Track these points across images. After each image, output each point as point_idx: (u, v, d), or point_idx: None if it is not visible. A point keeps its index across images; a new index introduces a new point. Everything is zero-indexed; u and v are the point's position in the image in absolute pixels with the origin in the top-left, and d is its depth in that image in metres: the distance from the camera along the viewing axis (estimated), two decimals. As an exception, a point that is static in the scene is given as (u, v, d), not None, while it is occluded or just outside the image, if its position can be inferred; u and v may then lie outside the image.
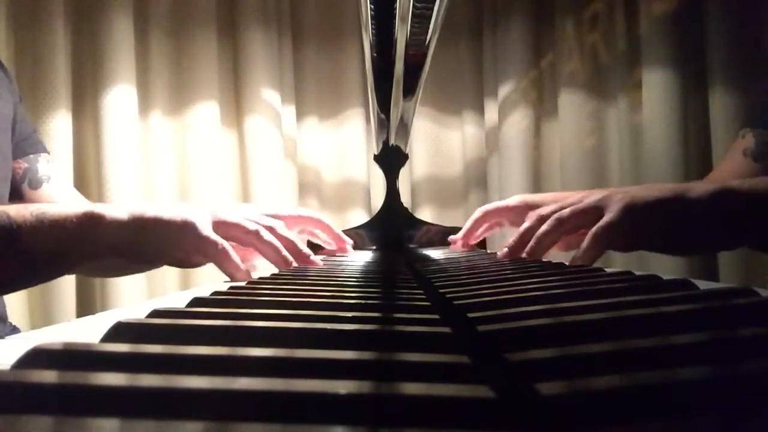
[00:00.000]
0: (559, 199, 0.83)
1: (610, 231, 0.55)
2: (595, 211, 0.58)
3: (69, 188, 0.98)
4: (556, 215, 0.62)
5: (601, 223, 0.56)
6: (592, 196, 0.61)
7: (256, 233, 0.62)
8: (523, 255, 0.63)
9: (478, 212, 0.87)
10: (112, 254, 0.58)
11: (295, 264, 0.63)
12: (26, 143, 0.91)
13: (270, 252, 0.62)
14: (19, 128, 0.90)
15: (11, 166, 0.87)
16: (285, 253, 0.62)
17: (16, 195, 0.88)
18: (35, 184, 0.90)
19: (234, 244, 0.62)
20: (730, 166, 0.93)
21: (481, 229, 0.89)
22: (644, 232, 0.56)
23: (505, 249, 0.67)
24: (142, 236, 0.56)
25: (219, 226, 0.60)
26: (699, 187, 0.54)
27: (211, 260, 0.59)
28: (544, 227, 0.62)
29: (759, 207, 0.52)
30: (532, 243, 0.62)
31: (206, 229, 0.58)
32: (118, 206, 0.58)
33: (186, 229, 0.57)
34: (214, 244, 0.58)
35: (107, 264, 0.71)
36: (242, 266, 0.59)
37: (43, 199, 0.89)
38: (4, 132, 0.85)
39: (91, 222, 0.56)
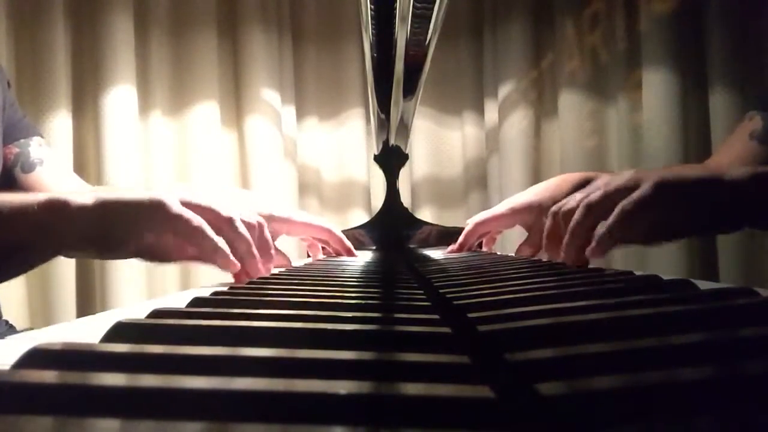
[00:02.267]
0: (546, 197, 0.82)
1: (641, 206, 0.51)
2: (627, 191, 0.53)
3: (65, 171, 0.95)
4: (585, 202, 0.55)
5: (633, 196, 0.51)
6: (617, 178, 0.55)
7: (231, 221, 0.55)
8: (561, 257, 0.57)
9: (469, 224, 0.86)
10: (79, 243, 0.54)
11: (260, 267, 0.56)
12: (16, 128, 0.88)
13: (242, 245, 0.55)
14: (8, 114, 0.87)
15: (1, 153, 0.85)
16: (254, 250, 0.56)
17: (9, 181, 0.86)
18: (28, 168, 0.87)
19: None
20: (735, 149, 0.91)
21: (474, 241, 0.88)
22: (676, 211, 0.52)
23: (563, 254, 0.60)
24: (108, 220, 0.52)
25: (190, 208, 0.54)
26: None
27: (184, 238, 0.54)
28: (575, 218, 0.55)
29: None
30: (566, 239, 0.56)
31: (176, 207, 0.52)
32: (83, 193, 0.53)
33: (154, 207, 0.52)
34: (187, 221, 0.52)
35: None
36: (221, 244, 0.53)
37: (37, 182, 0.87)
38: None
39: (54, 209, 0.51)
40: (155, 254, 0.58)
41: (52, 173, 0.90)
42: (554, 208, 0.62)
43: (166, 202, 0.52)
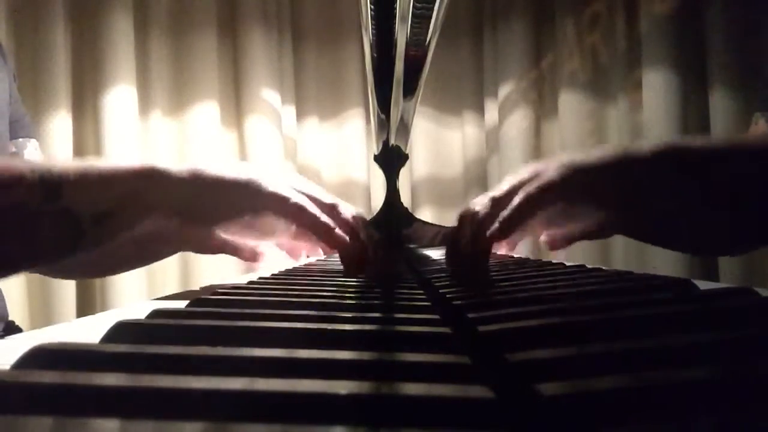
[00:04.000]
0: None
1: (545, 190, 0.47)
2: (535, 179, 0.49)
3: None
4: (489, 195, 0.52)
5: (535, 182, 0.48)
6: (523, 169, 0.51)
7: (334, 207, 0.53)
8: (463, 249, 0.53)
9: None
10: (169, 214, 0.51)
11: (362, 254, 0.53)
12: (18, 125, 0.87)
13: (347, 230, 0.52)
14: (12, 109, 0.87)
15: (7, 148, 0.85)
16: (362, 237, 0.53)
17: None
18: None
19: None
20: None
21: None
22: (585, 193, 0.48)
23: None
24: (202, 195, 0.50)
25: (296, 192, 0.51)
26: (643, 145, 0.46)
27: (285, 216, 0.51)
28: (479, 215, 0.51)
29: (709, 165, 0.43)
30: (470, 235, 0.52)
31: (275, 186, 0.50)
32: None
33: (252, 187, 0.50)
34: (285, 199, 0.50)
35: (129, 253, 0.61)
36: (327, 220, 0.51)
37: None
38: (2, 117, 0.82)
39: (147, 177, 0.49)
40: (252, 233, 0.56)
41: None
42: (463, 213, 0.56)
43: (262, 182, 0.50)
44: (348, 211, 0.55)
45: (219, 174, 0.51)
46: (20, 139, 0.88)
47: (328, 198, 0.54)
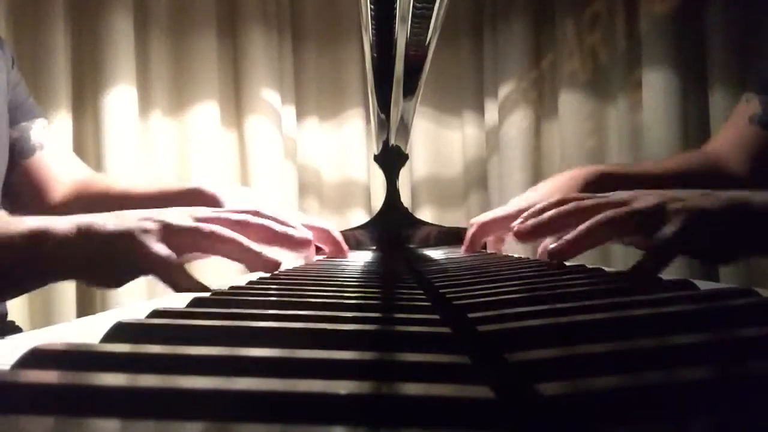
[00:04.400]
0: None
1: (678, 240, 0.49)
2: (653, 215, 0.51)
3: (66, 155, 0.93)
4: (610, 214, 0.52)
5: (668, 232, 0.50)
6: (643, 198, 0.53)
7: (213, 235, 0.52)
8: (555, 244, 0.54)
9: (473, 226, 0.81)
10: (63, 275, 0.52)
11: (267, 253, 0.54)
12: (19, 111, 0.87)
13: (233, 249, 0.53)
14: (12, 95, 0.86)
15: (8, 134, 0.84)
16: (248, 244, 0.53)
17: (10, 165, 0.85)
18: (27, 153, 0.86)
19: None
20: (735, 134, 0.88)
21: (481, 242, 0.83)
22: (708, 242, 0.51)
23: (516, 226, 0.59)
24: (89, 254, 0.49)
25: (172, 235, 0.51)
26: (758, 197, 0.50)
27: (162, 280, 0.50)
28: (596, 221, 0.52)
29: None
30: (578, 234, 0.53)
31: (154, 245, 0.49)
32: (65, 220, 0.51)
33: (133, 246, 0.49)
34: (160, 261, 0.49)
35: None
36: (193, 282, 0.50)
37: (36, 167, 0.86)
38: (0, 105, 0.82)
39: (37, 241, 0.49)
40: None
41: (52, 158, 0.89)
42: (561, 198, 0.59)
43: (142, 240, 0.49)
44: (229, 232, 0.53)
45: (101, 229, 0.50)
46: (22, 124, 0.87)
47: (206, 228, 0.52)
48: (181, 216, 0.53)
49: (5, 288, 0.53)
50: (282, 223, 0.60)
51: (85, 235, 0.49)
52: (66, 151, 0.97)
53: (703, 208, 0.50)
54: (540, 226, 0.58)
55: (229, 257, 0.54)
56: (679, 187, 0.55)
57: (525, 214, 0.61)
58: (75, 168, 0.94)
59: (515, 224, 0.60)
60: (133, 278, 0.52)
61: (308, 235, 0.61)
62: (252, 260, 0.54)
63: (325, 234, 0.80)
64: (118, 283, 0.53)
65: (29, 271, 0.51)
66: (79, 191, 0.90)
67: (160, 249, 0.50)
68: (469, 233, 0.82)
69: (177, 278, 0.50)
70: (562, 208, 0.57)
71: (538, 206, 0.61)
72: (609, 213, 0.53)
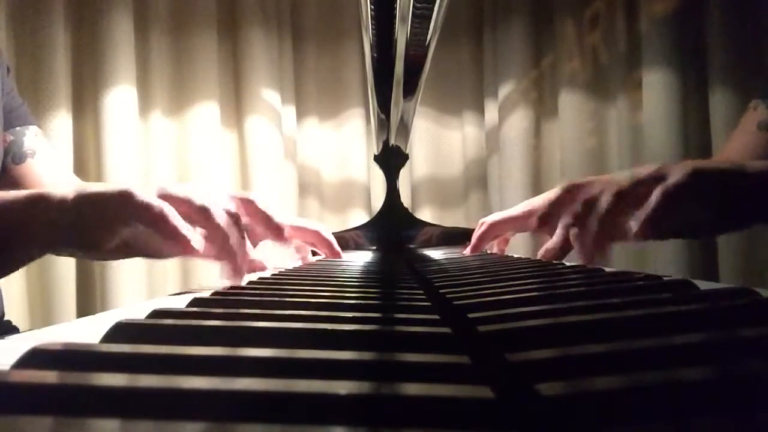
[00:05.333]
0: (567, 201, 0.79)
1: (680, 191, 0.50)
2: (656, 181, 0.52)
3: (58, 164, 0.93)
4: (614, 190, 0.54)
5: (672, 181, 0.50)
6: (644, 168, 0.54)
7: (205, 210, 0.53)
8: (585, 250, 0.55)
9: (483, 226, 0.82)
10: (60, 239, 0.54)
11: (240, 266, 0.54)
12: (12, 115, 0.87)
13: (216, 239, 0.53)
14: (6, 100, 0.86)
15: (2, 140, 0.84)
16: (231, 246, 0.53)
17: (2, 170, 0.84)
18: (18, 159, 0.86)
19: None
20: (744, 141, 0.88)
21: (489, 242, 0.84)
22: (708, 200, 0.52)
23: (544, 249, 0.61)
24: (84, 213, 0.52)
25: (164, 199, 0.52)
26: (756, 163, 0.53)
27: (149, 226, 0.51)
28: (603, 206, 0.53)
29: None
30: (597, 229, 0.54)
31: (143, 197, 0.51)
32: (65, 187, 0.53)
33: (121, 198, 0.51)
34: (150, 206, 0.50)
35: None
36: (184, 229, 0.51)
37: (27, 174, 0.86)
38: None
39: (36, 202, 0.52)
40: (141, 249, 0.57)
41: (44, 166, 0.88)
42: (568, 184, 0.62)
43: (134, 192, 0.51)
44: (220, 216, 0.54)
45: (98, 189, 0.53)
46: (17, 128, 0.87)
47: (199, 201, 0.53)
48: (178, 186, 0.54)
49: (4, 255, 0.54)
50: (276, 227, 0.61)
51: (81, 194, 0.52)
52: (59, 161, 0.96)
53: (704, 165, 0.53)
54: (602, 228, 0.56)
55: (210, 242, 0.53)
56: None
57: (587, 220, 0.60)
58: (67, 179, 0.93)
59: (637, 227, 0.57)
60: (126, 234, 0.53)
61: (200, 246, 0.56)
62: (225, 259, 0.53)
63: (317, 235, 0.80)
64: (111, 243, 0.53)
65: (28, 236, 0.53)
66: None
67: (149, 198, 0.51)
68: (477, 232, 0.82)
69: (163, 225, 0.50)
70: (604, 202, 0.56)
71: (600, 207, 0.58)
72: (613, 189, 0.54)
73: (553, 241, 0.74)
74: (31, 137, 0.88)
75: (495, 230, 0.82)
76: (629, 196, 0.53)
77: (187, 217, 0.52)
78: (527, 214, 0.78)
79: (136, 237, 0.55)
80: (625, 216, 0.54)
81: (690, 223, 0.56)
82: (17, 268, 0.58)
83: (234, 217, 0.55)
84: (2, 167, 0.85)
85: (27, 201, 0.52)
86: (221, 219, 0.53)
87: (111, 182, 0.55)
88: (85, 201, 0.52)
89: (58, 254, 0.61)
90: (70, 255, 0.62)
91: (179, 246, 0.51)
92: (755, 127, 0.87)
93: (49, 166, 0.90)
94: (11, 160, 0.86)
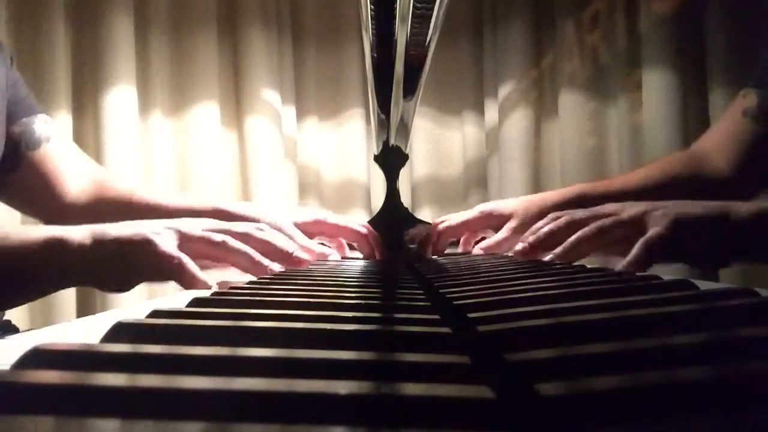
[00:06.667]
0: (521, 209, 0.83)
1: (662, 242, 0.53)
2: (638, 223, 0.56)
3: (72, 148, 0.94)
4: (597, 224, 0.58)
5: (653, 233, 0.54)
6: (630, 208, 0.58)
7: (223, 244, 0.57)
8: (550, 256, 0.60)
9: (440, 227, 0.87)
10: (76, 281, 0.56)
11: (273, 267, 0.58)
12: (19, 107, 0.87)
13: (241, 260, 0.57)
14: (11, 92, 0.86)
15: (4, 133, 0.84)
16: (259, 258, 0.57)
17: (17, 159, 0.85)
18: (33, 145, 0.86)
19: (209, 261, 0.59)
20: (726, 127, 0.89)
21: (446, 244, 0.88)
22: (690, 247, 0.55)
23: (520, 246, 0.64)
24: (104, 260, 0.53)
25: (184, 242, 0.55)
26: (742, 206, 0.54)
27: (168, 276, 0.54)
28: (584, 233, 0.58)
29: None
30: (567, 246, 0.58)
31: (165, 245, 0.53)
32: (81, 229, 0.54)
33: (143, 247, 0.53)
34: (170, 258, 0.53)
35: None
36: (200, 276, 0.54)
37: (44, 160, 0.86)
38: None
39: (53, 247, 0.52)
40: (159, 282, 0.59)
41: (61, 150, 0.89)
42: (559, 213, 0.64)
43: (153, 241, 0.53)
44: (234, 242, 0.57)
45: (118, 235, 0.53)
46: (24, 119, 0.87)
47: (215, 238, 0.57)
48: (192, 225, 0.57)
49: (20, 293, 0.56)
50: (289, 237, 0.65)
51: (100, 241, 0.53)
52: (72, 146, 0.97)
53: (686, 213, 0.54)
54: (539, 242, 0.63)
55: (238, 267, 0.58)
56: (658, 197, 0.59)
57: (527, 234, 0.66)
58: (87, 163, 0.94)
59: (518, 247, 0.65)
60: (145, 280, 0.56)
61: (305, 256, 0.64)
62: (260, 272, 0.57)
63: (357, 234, 0.82)
64: (130, 286, 0.56)
65: (44, 277, 0.54)
66: (99, 192, 0.90)
67: (172, 249, 0.53)
68: (433, 236, 0.87)
69: (180, 275, 0.53)
70: (556, 223, 0.62)
71: (537, 225, 0.65)
72: (597, 223, 0.58)
73: (493, 240, 0.80)
74: (41, 124, 0.88)
75: (451, 234, 0.86)
76: (609, 236, 0.58)
77: (206, 256, 0.56)
78: (480, 215, 0.82)
79: (154, 279, 0.57)
80: (594, 250, 0.59)
81: (674, 260, 0.59)
82: (29, 302, 0.59)
83: (244, 236, 0.59)
84: (17, 155, 0.85)
85: (44, 244, 0.52)
86: (239, 244, 0.57)
87: (127, 223, 0.57)
88: (105, 245, 0.53)
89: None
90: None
91: (241, 259, 0.56)
92: (739, 114, 0.87)
93: (68, 150, 0.91)
94: (26, 147, 0.86)
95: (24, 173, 0.86)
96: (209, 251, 0.57)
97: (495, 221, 0.84)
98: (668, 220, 0.54)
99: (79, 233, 0.53)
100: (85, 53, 1.40)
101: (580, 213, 0.62)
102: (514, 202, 0.86)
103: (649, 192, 0.79)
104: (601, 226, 0.58)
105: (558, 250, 0.59)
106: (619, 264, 0.55)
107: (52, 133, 0.89)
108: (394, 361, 0.20)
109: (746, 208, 0.54)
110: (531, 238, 0.64)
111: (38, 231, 0.54)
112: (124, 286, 0.56)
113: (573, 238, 0.58)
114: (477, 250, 0.82)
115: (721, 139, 0.89)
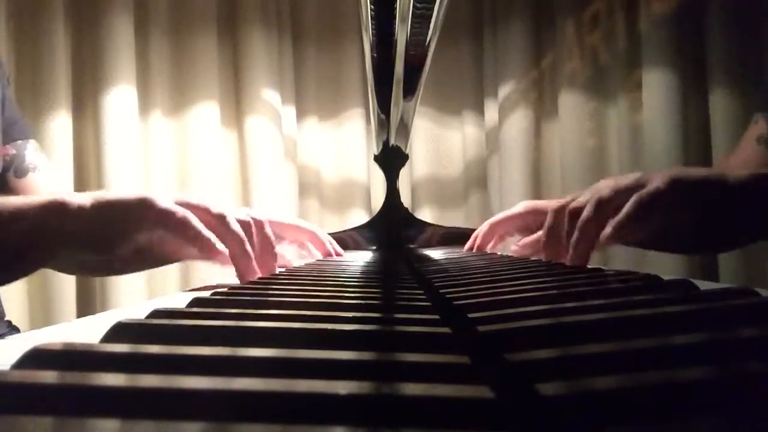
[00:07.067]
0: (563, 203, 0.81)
1: (655, 199, 0.50)
2: (638, 188, 0.52)
3: (58, 180, 0.94)
4: (595, 198, 0.55)
5: (648, 188, 0.51)
6: (626, 177, 0.55)
7: (222, 217, 0.56)
8: (568, 255, 0.56)
9: (485, 226, 0.86)
10: (77, 244, 0.54)
11: (254, 266, 0.57)
12: (14, 128, 0.87)
13: (234, 242, 0.55)
14: (6, 112, 0.86)
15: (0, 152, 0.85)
16: (248, 248, 0.56)
17: (2, 183, 0.84)
18: (21, 173, 0.86)
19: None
20: (744, 154, 0.89)
21: (491, 243, 0.87)
22: (686, 209, 0.52)
23: (518, 246, 0.63)
24: (103, 220, 0.53)
25: (182, 206, 0.54)
26: (738, 173, 0.52)
27: (172, 231, 0.54)
28: (584, 214, 0.54)
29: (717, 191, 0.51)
30: (576, 236, 0.55)
31: (164, 203, 0.53)
32: (81, 194, 0.54)
33: (142, 204, 0.53)
34: (173, 213, 0.52)
35: (76, 261, 0.65)
36: (205, 232, 0.53)
37: (28, 188, 0.86)
38: None
39: (54, 210, 0.52)
40: (154, 254, 0.59)
41: (45, 181, 0.89)
42: (557, 206, 0.62)
43: (154, 198, 0.53)
44: (234, 222, 0.57)
45: (117, 196, 0.54)
46: (19, 141, 0.87)
47: (216, 209, 0.56)
48: (185, 195, 0.57)
49: (17, 260, 0.54)
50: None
51: (100, 202, 0.53)
52: (59, 177, 0.97)
53: (685, 173, 0.53)
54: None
55: (228, 246, 0.56)
56: None
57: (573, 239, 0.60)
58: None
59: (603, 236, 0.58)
60: (147, 243, 0.55)
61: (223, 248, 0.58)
62: (245, 262, 0.56)
63: (310, 235, 0.83)
64: (130, 253, 0.55)
65: (43, 242, 0.53)
66: None
67: (171, 204, 0.53)
68: (479, 231, 0.86)
69: (186, 230, 0.53)
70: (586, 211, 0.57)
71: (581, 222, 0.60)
72: (634, 198, 0.53)
73: (531, 238, 0.77)
74: (32, 151, 0.89)
75: (497, 229, 0.85)
76: (609, 205, 0.54)
77: (205, 223, 0.55)
78: (530, 210, 0.81)
79: (150, 244, 0.56)
80: (605, 224, 0.55)
81: (668, 234, 0.56)
82: (29, 273, 0.58)
83: (245, 224, 0.58)
84: (4, 181, 0.85)
85: (44, 206, 0.52)
86: (237, 225, 0.56)
87: (120, 190, 0.57)
88: (105, 206, 0.53)
89: (65, 271, 0.61)
90: (78, 271, 0.63)
91: (203, 248, 0.54)
92: (755, 141, 0.88)
93: (50, 181, 0.91)
94: (13, 174, 0.86)
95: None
96: (206, 220, 0.55)
97: (541, 218, 0.83)
98: (665, 177, 0.52)
99: (79, 197, 0.53)
100: (85, 53, 1.40)
101: (605, 192, 0.57)
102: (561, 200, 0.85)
103: None
104: (599, 198, 0.55)
105: (572, 244, 0.56)
106: (611, 221, 0.53)
107: (39, 163, 0.89)
108: (394, 361, 0.20)
109: (745, 175, 0.52)
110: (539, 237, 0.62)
111: (39, 196, 0.54)
112: (119, 249, 0.55)
113: (578, 225, 0.55)
114: (513, 247, 0.80)
115: (739, 166, 0.89)
